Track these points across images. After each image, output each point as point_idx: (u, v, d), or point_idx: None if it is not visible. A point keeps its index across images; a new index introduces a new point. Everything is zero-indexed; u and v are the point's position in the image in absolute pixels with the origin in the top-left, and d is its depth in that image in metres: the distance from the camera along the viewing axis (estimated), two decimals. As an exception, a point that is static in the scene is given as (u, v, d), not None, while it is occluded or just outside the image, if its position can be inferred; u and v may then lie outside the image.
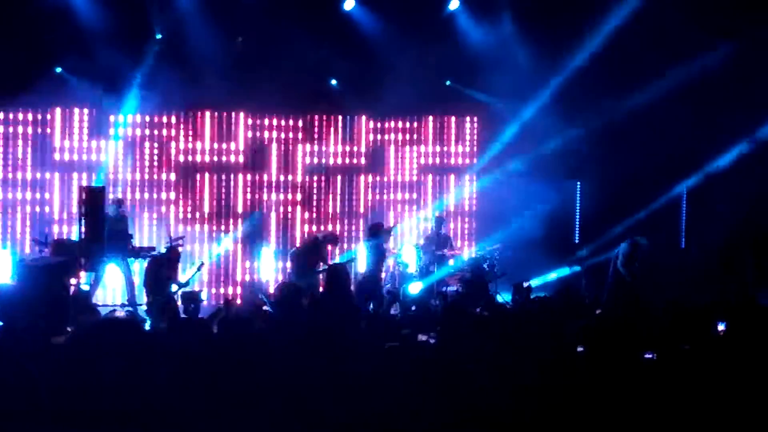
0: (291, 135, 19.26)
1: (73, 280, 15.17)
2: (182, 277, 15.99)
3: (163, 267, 15.45)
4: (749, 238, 18.57)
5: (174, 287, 15.32)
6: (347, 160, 19.67)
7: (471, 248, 18.61)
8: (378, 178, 19.89)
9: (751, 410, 7.88)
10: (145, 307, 15.19)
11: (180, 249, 16.50)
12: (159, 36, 17.67)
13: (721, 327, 10.51)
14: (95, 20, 16.88)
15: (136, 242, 17.29)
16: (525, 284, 15.16)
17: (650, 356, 9.04)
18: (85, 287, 15.60)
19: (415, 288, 17.06)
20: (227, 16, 17.49)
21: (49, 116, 17.84)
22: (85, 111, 17.96)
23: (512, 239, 18.22)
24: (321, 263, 16.88)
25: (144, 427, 3.47)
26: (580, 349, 9.10)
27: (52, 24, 16.61)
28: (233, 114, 18.84)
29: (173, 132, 18.58)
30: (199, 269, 16.51)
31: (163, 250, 16.39)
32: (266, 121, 19.09)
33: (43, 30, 16.65)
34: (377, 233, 17.29)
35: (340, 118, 19.49)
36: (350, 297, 10.03)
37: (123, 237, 16.59)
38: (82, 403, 3.40)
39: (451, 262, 18.12)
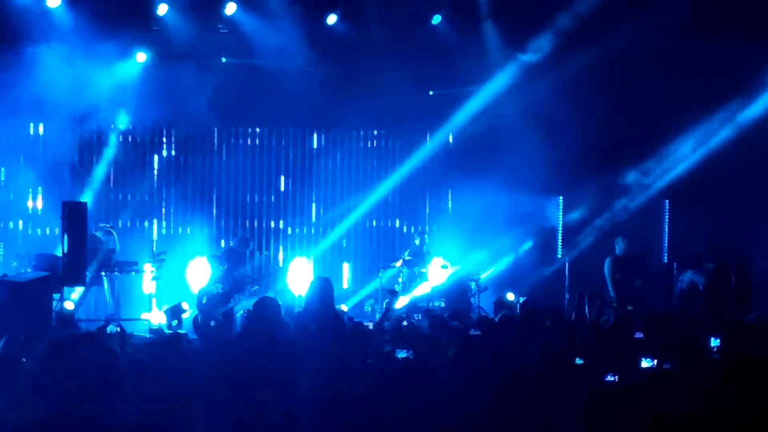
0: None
1: (56, 296, 15.11)
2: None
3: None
4: (731, 254, 18.40)
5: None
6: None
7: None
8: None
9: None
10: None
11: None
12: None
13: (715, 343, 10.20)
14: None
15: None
16: (522, 299, 14.95)
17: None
18: (69, 303, 15.56)
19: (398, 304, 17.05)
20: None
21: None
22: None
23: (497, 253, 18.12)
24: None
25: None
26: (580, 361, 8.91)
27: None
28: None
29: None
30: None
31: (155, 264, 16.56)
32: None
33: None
34: None
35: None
36: (335, 310, 9.92)
37: (104, 253, 16.61)
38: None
39: (432, 279, 18.03)
